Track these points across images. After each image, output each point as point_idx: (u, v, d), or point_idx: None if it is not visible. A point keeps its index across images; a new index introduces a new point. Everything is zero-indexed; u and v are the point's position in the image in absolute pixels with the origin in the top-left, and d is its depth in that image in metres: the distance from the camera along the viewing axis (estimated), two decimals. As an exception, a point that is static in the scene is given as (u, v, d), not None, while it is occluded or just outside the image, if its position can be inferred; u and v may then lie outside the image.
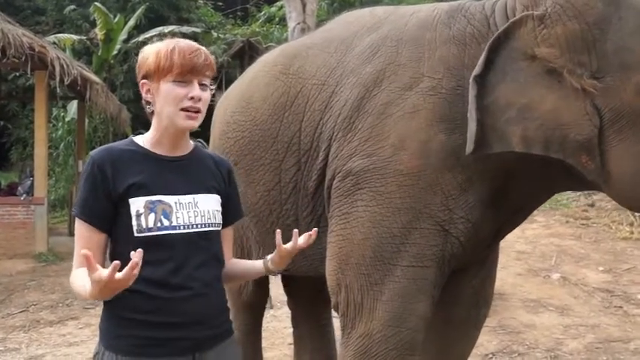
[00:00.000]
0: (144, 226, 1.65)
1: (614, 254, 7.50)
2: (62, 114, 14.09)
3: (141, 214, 1.65)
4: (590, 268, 7.03)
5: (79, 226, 1.69)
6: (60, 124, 14.05)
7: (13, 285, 7.04)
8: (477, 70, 2.18)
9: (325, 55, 2.64)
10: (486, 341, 4.76)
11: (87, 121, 12.93)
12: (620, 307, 5.77)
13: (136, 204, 1.65)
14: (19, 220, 8.55)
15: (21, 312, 6.01)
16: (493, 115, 2.18)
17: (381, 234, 2.30)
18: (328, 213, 2.51)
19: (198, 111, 1.68)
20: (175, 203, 1.69)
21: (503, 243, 7.97)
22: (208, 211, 1.75)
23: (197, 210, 1.73)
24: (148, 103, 1.72)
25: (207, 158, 1.84)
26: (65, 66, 8.22)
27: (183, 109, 1.66)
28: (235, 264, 1.95)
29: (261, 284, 3.32)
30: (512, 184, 2.36)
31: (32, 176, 8.94)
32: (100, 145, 1.85)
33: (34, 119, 9.36)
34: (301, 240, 1.83)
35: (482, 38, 2.30)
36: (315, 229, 1.89)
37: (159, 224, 1.66)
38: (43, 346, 4.99)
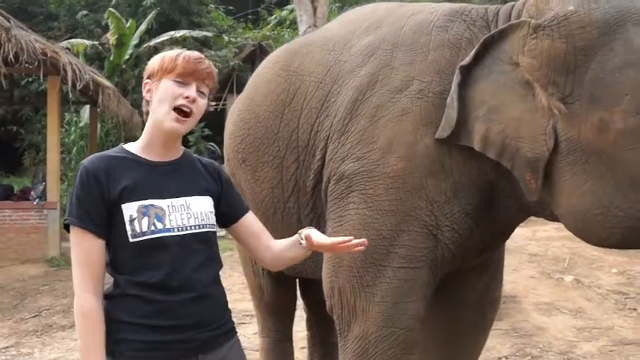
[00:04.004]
0: (138, 231, 1.66)
1: (628, 256, 7.42)
2: (75, 119, 14.17)
3: (134, 218, 1.66)
4: (604, 271, 6.98)
5: (77, 235, 1.67)
6: (72, 128, 14.13)
7: (26, 290, 7.08)
8: (465, 61, 2.20)
9: (324, 53, 2.65)
10: (499, 344, 4.73)
11: (99, 125, 13.00)
12: (635, 309, 5.72)
13: (129, 209, 1.66)
14: (31, 224, 8.60)
15: (34, 317, 6.03)
16: (467, 108, 2.21)
17: (370, 236, 2.28)
18: (326, 215, 2.52)
19: (188, 114, 1.70)
20: (168, 206, 1.70)
21: (515, 245, 7.91)
22: (201, 213, 1.76)
23: (190, 212, 1.74)
24: (147, 102, 1.75)
25: (195, 162, 1.86)
26: (77, 71, 8.27)
27: (176, 108, 1.68)
28: (279, 246, 1.89)
29: (283, 283, 3.21)
30: (495, 198, 2.36)
31: (45, 181, 8.98)
32: (113, 149, 1.84)
33: (46, 124, 9.39)
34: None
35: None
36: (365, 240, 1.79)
37: (152, 227, 1.67)
38: (55, 350, 5.00)
